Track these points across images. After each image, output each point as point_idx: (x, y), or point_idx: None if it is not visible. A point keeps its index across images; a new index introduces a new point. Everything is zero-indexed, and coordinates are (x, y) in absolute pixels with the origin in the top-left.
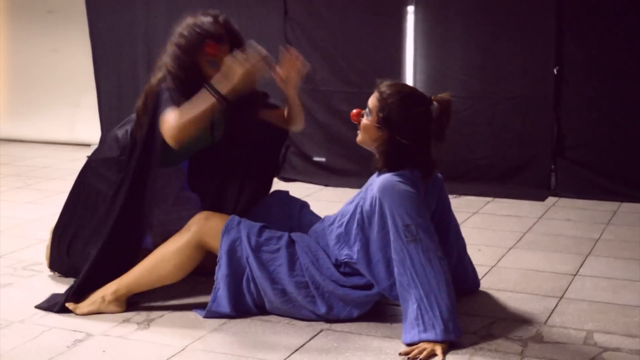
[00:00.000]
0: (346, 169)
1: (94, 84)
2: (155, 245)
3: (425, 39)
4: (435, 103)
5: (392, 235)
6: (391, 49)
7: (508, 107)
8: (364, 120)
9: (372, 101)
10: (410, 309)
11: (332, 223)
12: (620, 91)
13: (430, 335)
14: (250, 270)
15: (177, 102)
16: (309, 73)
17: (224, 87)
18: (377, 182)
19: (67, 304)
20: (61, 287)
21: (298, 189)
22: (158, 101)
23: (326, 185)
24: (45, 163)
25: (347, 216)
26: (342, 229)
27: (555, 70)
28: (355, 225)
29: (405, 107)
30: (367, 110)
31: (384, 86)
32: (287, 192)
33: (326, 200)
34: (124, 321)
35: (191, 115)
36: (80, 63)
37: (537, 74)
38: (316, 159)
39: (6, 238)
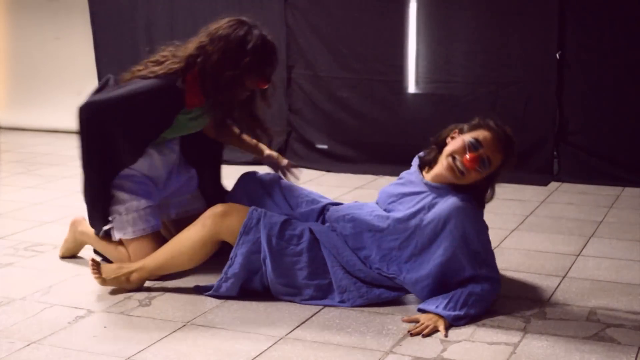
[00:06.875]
0: (348, 156)
1: (96, 71)
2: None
3: (427, 25)
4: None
5: (462, 256)
6: (393, 35)
7: (510, 93)
8: (479, 173)
9: (496, 160)
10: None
11: (382, 233)
12: (623, 76)
13: (443, 313)
14: (265, 270)
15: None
16: (310, 60)
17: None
18: (446, 206)
19: (92, 274)
20: (62, 267)
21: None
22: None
23: (328, 171)
24: (47, 150)
25: (406, 234)
26: (396, 243)
27: (557, 55)
28: (412, 246)
29: (511, 165)
30: (486, 161)
31: (506, 144)
32: (255, 172)
33: (328, 185)
34: (125, 299)
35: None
36: (82, 51)
37: (539, 59)
38: (319, 146)
39: (7, 220)
